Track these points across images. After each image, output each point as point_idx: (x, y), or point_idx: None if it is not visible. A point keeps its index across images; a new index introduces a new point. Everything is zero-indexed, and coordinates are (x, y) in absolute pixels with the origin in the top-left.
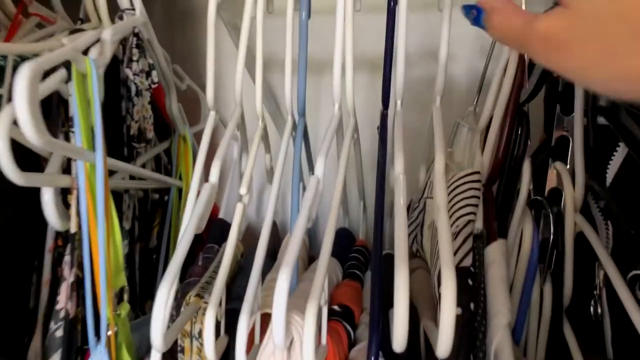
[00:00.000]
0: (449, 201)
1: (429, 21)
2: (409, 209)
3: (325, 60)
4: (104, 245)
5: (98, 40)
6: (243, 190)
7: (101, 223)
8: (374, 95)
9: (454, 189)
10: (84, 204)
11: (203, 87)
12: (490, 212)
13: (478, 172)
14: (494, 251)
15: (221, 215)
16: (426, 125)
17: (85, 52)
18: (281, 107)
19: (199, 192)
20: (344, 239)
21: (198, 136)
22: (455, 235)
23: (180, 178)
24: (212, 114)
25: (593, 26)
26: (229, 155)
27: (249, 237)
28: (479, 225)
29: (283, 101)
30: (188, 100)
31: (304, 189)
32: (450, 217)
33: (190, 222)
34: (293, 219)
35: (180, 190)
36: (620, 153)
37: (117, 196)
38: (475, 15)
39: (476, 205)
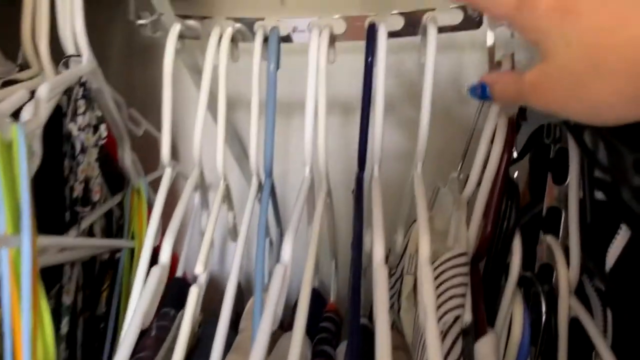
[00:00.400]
0: (435, 289)
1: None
2: None
3: (295, 102)
4: (29, 345)
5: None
6: (199, 269)
7: (27, 319)
8: (347, 141)
9: (439, 275)
10: (7, 296)
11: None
12: (478, 299)
13: (465, 254)
14: (485, 348)
15: (181, 266)
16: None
17: (17, 112)
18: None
19: (147, 273)
20: (314, 302)
21: (157, 183)
22: (443, 335)
23: (133, 236)
24: (168, 170)
25: (564, 71)
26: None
27: (212, 290)
28: (467, 317)
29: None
30: (148, 142)
31: (271, 243)
32: (437, 311)
33: (133, 319)
34: (257, 289)
35: (132, 250)
36: (622, 235)
37: (56, 268)
38: (480, 91)
39: (464, 295)
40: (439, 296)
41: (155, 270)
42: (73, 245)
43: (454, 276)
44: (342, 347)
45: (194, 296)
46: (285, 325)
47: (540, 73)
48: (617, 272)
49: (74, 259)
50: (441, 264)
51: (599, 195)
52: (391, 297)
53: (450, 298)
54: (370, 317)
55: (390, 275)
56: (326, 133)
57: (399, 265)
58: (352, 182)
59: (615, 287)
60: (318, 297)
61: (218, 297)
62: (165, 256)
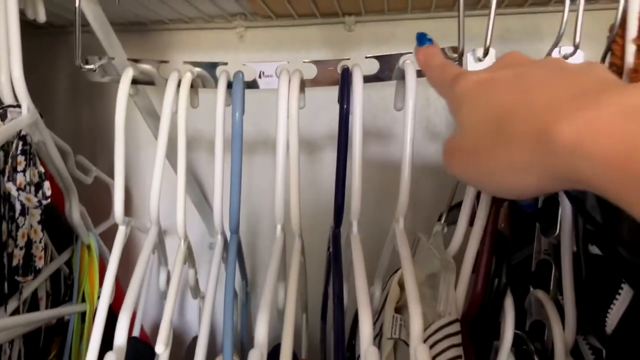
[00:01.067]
0: None
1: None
2: (355, 326)
3: (258, 141)
4: None
5: None
6: (160, 349)
7: None
8: (313, 180)
9: (433, 345)
10: None
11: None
12: None
13: (457, 321)
14: None
15: (138, 319)
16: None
17: None
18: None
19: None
20: None
21: (112, 234)
22: None
23: (83, 297)
24: (122, 229)
25: (470, 135)
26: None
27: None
28: None
29: (210, 191)
30: (97, 187)
31: (235, 296)
32: None
33: None
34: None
35: (84, 314)
36: (624, 294)
37: None
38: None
39: None
40: None
41: (110, 356)
42: (13, 324)
43: (448, 348)
44: None
45: None
46: None
47: (453, 138)
48: (620, 335)
49: (14, 337)
50: (433, 333)
51: (594, 249)
52: None
53: None
54: None
55: None
56: (299, 188)
57: (377, 322)
58: (318, 225)
59: (619, 350)
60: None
61: (180, 352)
62: (121, 337)
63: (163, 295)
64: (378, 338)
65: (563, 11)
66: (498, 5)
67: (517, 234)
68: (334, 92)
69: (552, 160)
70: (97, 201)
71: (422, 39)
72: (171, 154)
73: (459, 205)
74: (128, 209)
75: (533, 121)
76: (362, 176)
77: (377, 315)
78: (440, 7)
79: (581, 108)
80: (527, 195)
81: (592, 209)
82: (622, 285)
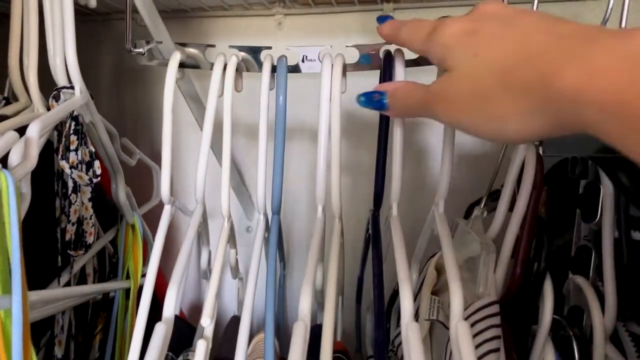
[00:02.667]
0: None
1: None
2: (391, 307)
3: (294, 127)
4: None
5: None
6: (205, 322)
7: None
8: (352, 167)
9: (472, 325)
10: None
11: (156, 155)
12: (510, 350)
13: (496, 303)
14: None
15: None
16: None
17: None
18: (251, 195)
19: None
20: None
21: (150, 216)
22: None
23: (127, 275)
24: (167, 208)
25: (470, 82)
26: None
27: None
28: None
29: (248, 175)
30: (139, 169)
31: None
32: None
33: None
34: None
35: (128, 290)
36: None
37: (49, 318)
38: (378, 98)
39: (498, 350)
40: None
41: (161, 327)
42: (65, 296)
43: (487, 328)
44: None
45: (202, 350)
46: None
47: (446, 83)
48: None
49: (66, 308)
50: (472, 313)
51: (637, 235)
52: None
53: (486, 354)
54: None
55: None
56: (340, 170)
57: (414, 303)
58: (354, 208)
59: None
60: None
61: (217, 332)
62: (169, 309)
63: (203, 275)
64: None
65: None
66: None
67: (556, 219)
68: (374, 77)
69: (556, 106)
70: (138, 184)
71: (382, 18)
72: (213, 138)
73: (497, 192)
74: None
75: (532, 71)
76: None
77: (414, 298)
78: None
79: (579, 53)
80: (528, 140)
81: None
82: None
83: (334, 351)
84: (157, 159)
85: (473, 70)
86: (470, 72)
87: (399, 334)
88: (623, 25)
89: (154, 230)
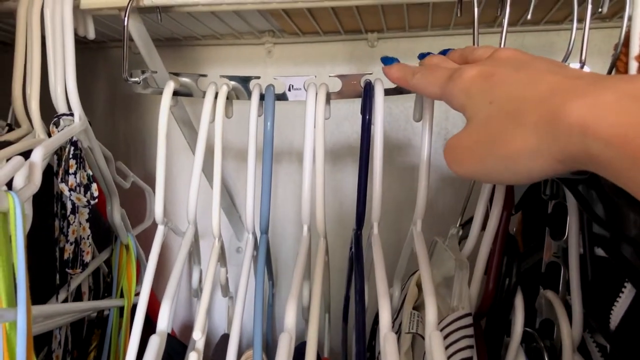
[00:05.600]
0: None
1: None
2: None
3: (281, 151)
4: None
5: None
6: (197, 335)
7: None
8: (335, 188)
9: (446, 336)
10: None
11: (149, 177)
12: (482, 357)
13: (470, 315)
14: None
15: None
16: (397, 233)
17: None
18: (241, 216)
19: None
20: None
21: (143, 237)
22: None
23: (121, 294)
24: (160, 228)
25: (484, 129)
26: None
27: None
28: None
29: (238, 196)
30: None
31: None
32: None
33: None
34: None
35: (121, 308)
36: (627, 293)
37: (46, 333)
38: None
39: (471, 358)
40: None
41: (155, 339)
42: (64, 312)
43: (460, 338)
44: None
45: None
46: None
47: (462, 134)
48: (623, 331)
49: (63, 324)
50: (447, 325)
51: (599, 251)
52: None
53: None
54: None
55: None
56: (324, 191)
57: (396, 320)
58: (341, 229)
59: (622, 345)
60: None
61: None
62: (163, 323)
63: (194, 294)
64: (397, 335)
65: (571, 29)
66: (514, 24)
67: (530, 239)
68: (356, 104)
69: (565, 141)
70: (132, 205)
71: (387, 60)
72: (204, 161)
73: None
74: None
75: (542, 107)
76: (382, 183)
77: (397, 314)
78: (458, 25)
79: (587, 91)
80: (538, 177)
81: (598, 209)
82: (625, 285)
83: None
84: (150, 182)
85: (488, 117)
86: (485, 120)
87: None
88: (584, 53)
89: (147, 251)
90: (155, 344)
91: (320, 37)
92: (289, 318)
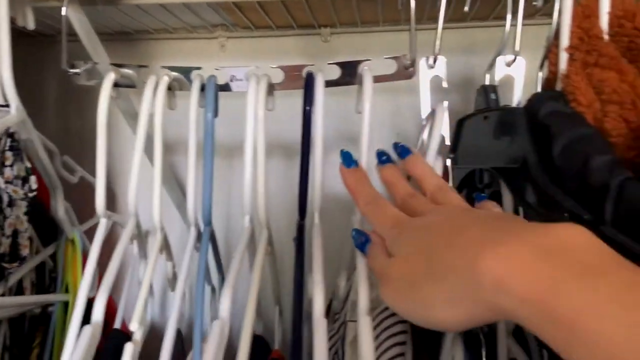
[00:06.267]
0: (376, 339)
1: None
2: (328, 314)
3: (236, 146)
4: None
5: None
6: (134, 326)
7: None
8: (291, 184)
9: (380, 323)
10: None
11: None
12: (419, 343)
13: None
14: None
15: (120, 314)
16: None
17: None
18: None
19: (81, 330)
20: (257, 349)
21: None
22: None
23: (67, 289)
24: (103, 221)
25: (404, 269)
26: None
27: (154, 340)
28: None
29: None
30: (85, 189)
31: (214, 291)
32: (378, 358)
33: None
34: (196, 342)
35: (66, 304)
36: None
37: None
38: (362, 241)
39: (405, 343)
40: (379, 345)
41: (87, 329)
42: (0, 305)
43: (394, 324)
44: None
45: (128, 354)
46: None
47: (388, 267)
48: None
49: (1, 318)
50: (381, 311)
51: None
52: (335, 344)
53: (392, 347)
54: None
55: (335, 320)
56: (266, 182)
57: (343, 310)
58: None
59: None
60: (262, 345)
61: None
62: (98, 314)
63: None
64: (344, 326)
65: (504, 25)
66: (464, 19)
67: None
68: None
69: (481, 295)
70: (84, 202)
71: (349, 159)
72: (152, 156)
73: None
74: (113, 209)
75: (462, 259)
76: (334, 174)
77: (343, 304)
78: (409, 20)
79: (500, 246)
80: (459, 327)
81: (530, 198)
82: None
83: (271, 359)
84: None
85: (409, 257)
86: (406, 259)
87: (329, 338)
88: (517, 45)
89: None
90: (87, 334)
91: (273, 32)
92: (224, 305)
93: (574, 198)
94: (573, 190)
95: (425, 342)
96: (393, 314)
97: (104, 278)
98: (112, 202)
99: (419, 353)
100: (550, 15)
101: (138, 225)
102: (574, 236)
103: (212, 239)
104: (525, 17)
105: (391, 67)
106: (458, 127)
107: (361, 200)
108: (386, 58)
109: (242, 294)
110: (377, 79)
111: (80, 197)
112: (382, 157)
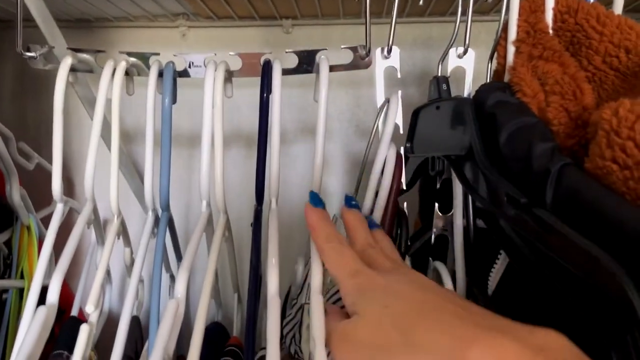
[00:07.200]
0: None
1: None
2: (286, 302)
3: (197, 135)
4: None
5: None
6: (90, 308)
7: None
8: (252, 173)
9: (335, 302)
10: None
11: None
12: None
13: None
14: None
15: (76, 303)
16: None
17: None
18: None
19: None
20: (216, 336)
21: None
22: None
23: (22, 275)
24: (59, 206)
25: (374, 332)
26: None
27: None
28: None
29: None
30: (42, 176)
31: (172, 279)
32: None
33: None
34: (152, 327)
35: (21, 290)
36: (501, 262)
37: None
38: None
39: None
40: None
41: (42, 309)
42: None
43: None
44: None
45: (84, 335)
46: None
47: (350, 326)
48: (498, 296)
49: None
50: (334, 294)
51: (480, 223)
52: (292, 328)
53: None
54: None
55: (292, 305)
56: (223, 167)
57: (300, 295)
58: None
59: (497, 310)
60: (221, 331)
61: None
62: (52, 295)
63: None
64: (301, 310)
65: (455, 21)
66: (422, 14)
67: (426, 217)
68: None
69: None
70: (42, 190)
71: (316, 199)
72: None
73: None
74: (71, 196)
75: (448, 342)
76: (295, 161)
77: (300, 289)
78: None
79: (494, 341)
80: None
81: (476, 184)
82: (500, 253)
83: (229, 345)
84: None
85: (379, 320)
86: (376, 321)
87: (287, 324)
88: (467, 39)
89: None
90: (41, 315)
91: (235, 22)
92: (179, 286)
93: (518, 184)
94: (517, 177)
95: None
96: None
97: (60, 260)
98: (71, 191)
99: None
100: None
101: (95, 211)
102: (556, 338)
103: (171, 225)
104: (480, 13)
105: (348, 57)
106: (413, 118)
107: (321, 237)
108: (343, 48)
109: (202, 280)
110: (334, 69)
111: (39, 185)
112: (351, 202)
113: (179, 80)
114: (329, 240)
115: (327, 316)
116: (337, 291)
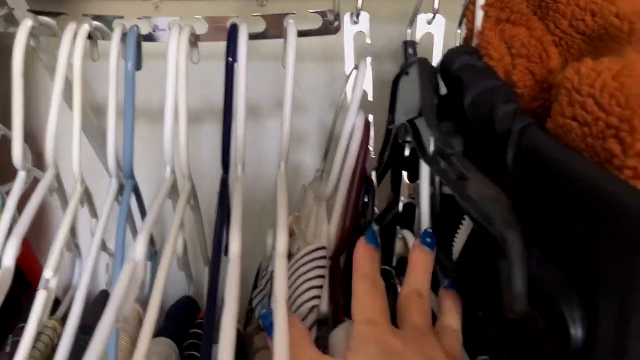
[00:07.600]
0: (292, 285)
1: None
2: (257, 277)
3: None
4: None
5: None
6: (48, 273)
7: None
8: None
9: (297, 269)
10: None
11: (31, 132)
12: (337, 288)
13: (324, 247)
14: (338, 335)
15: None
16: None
17: None
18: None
19: None
20: (185, 310)
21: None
22: None
23: None
24: (21, 174)
25: None
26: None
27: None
28: (324, 307)
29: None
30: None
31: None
32: (293, 303)
33: None
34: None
35: None
36: (465, 227)
37: None
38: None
39: (321, 287)
40: (296, 289)
41: None
42: None
43: (311, 269)
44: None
45: (40, 300)
46: None
47: None
48: (462, 261)
49: None
50: (300, 258)
51: (446, 190)
52: (261, 300)
53: (307, 290)
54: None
55: (262, 277)
56: (187, 133)
57: (269, 267)
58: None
59: (462, 275)
60: (191, 304)
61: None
62: (8, 259)
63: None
64: (270, 282)
65: None
66: None
67: (396, 186)
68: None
69: None
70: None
71: (371, 237)
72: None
73: None
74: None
75: None
76: (266, 129)
77: (269, 262)
78: None
79: None
80: None
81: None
82: (465, 217)
83: (200, 317)
84: (32, 137)
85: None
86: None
87: (256, 295)
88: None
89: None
90: None
91: None
92: (138, 248)
93: (481, 146)
94: (481, 139)
95: (345, 287)
96: (311, 260)
97: (17, 224)
98: (41, 166)
99: (335, 297)
100: None
101: (58, 178)
102: None
103: (138, 195)
104: None
105: (317, 22)
106: (393, 87)
107: (359, 274)
108: (311, 12)
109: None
110: (303, 34)
111: (5, 159)
112: (426, 239)
113: (149, 50)
114: (364, 279)
115: (290, 327)
116: (304, 254)
